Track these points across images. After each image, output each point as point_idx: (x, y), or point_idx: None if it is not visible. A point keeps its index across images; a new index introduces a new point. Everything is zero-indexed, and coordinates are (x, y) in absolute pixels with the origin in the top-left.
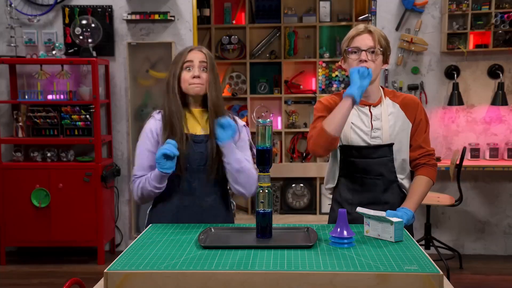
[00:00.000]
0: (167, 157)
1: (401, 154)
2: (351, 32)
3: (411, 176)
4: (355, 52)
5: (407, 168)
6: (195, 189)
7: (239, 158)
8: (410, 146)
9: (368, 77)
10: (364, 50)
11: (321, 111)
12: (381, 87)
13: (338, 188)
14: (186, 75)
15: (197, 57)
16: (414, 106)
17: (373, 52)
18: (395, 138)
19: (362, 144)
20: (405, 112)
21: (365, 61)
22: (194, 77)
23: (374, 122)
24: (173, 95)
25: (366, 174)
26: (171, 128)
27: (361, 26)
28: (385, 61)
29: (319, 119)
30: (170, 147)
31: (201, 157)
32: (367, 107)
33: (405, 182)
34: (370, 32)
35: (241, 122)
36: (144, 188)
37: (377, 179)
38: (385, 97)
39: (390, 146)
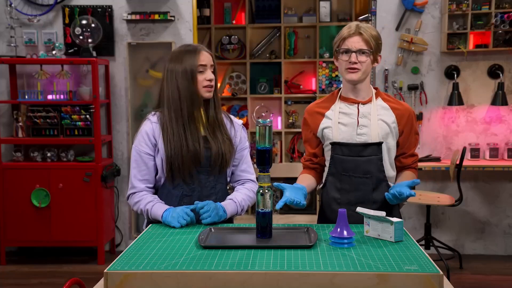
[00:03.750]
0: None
1: (390, 154)
2: (343, 32)
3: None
4: (345, 53)
5: (393, 171)
6: (193, 191)
7: (243, 205)
8: (404, 153)
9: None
10: (354, 52)
11: (305, 134)
12: (375, 88)
13: (326, 188)
14: (200, 77)
15: (208, 60)
16: (405, 115)
17: (363, 53)
18: (383, 137)
19: (348, 141)
20: (397, 118)
21: (355, 62)
22: (209, 80)
23: (360, 119)
24: (187, 96)
25: (354, 173)
26: (175, 131)
27: (352, 27)
28: (375, 59)
29: (306, 147)
30: (185, 217)
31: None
32: (356, 105)
33: (391, 183)
34: (360, 34)
35: (238, 121)
36: (141, 211)
37: (366, 178)
38: (376, 97)
39: (379, 144)
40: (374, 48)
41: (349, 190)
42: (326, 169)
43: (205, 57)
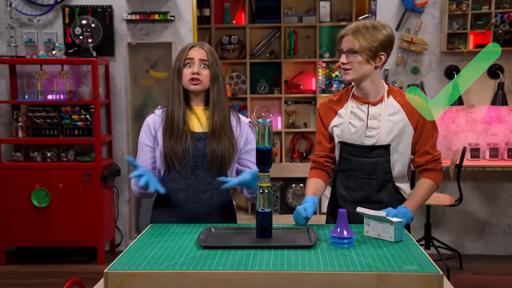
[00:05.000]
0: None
1: (401, 157)
2: (341, 31)
3: (412, 178)
4: (340, 53)
5: (406, 171)
6: (189, 185)
7: None
8: (416, 152)
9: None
10: (344, 52)
11: (319, 128)
12: (387, 84)
13: (335, 183)
14: (186, 71)
15: (197, 54)
16: (417, 111)
17: (353, 52)
18: (393, 139)
19: (357, 142)
20: (407, 114)
21: (345, 63)
22: (193, 73)
23: (370, 121)
24: (175, 91)
25: (360, 173)
26: (171, 125)
27: (350, 26)
28: (372, 59)
29: (322, 141)
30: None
31: (198, 153)
32: (366, 105)
33: (402, 184)
34: (354, 33)
35: (246, 120)
36: (134, 189)
37: (371, 179)
38: (388, 96)
39: (386, 147)
40: (370, 47)
41: (355, 189)
42: (336, 165)
43: (194, 52)
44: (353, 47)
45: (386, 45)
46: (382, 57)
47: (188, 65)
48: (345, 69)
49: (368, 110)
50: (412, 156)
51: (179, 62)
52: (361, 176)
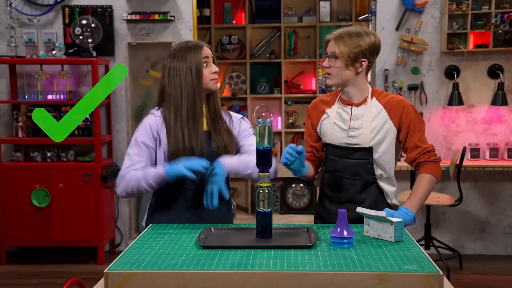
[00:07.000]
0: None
1: (385, 156)
2: (326, 36)
3: (413, 179)
4: (325, 56)
5: (389, 171)
6: (195, 185)
7: (242, 164)
8: (407, 149)
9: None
10: (327, 56)
11: (307, 126)
12: (371, 86)
13: (322, 184)
14: (205, 72)
15: (209, 52)
16: (399, 109)
17: (335, 58)
18: (376, 139)
19: (340, 143)
20: (389, 114)
21: (326, 67)
22: (214, 72)
23: (353, 122)
24: (197, 92)
25: (344, 174)
26: (191, 125)
27: (336, 32)
28: (351, 65)
29: (307, 140)
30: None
31: (206, 151)
32: (349, 107)
33: (384, 184)
34: (336, 39)
35: (237, 116)
36: (138, 184)
37: (354, 180)
38: (371, 97)
39: (369, 149)
40: (349, 53)
41: (339, 189)
42: (323, 166)
43: (207, 51)
44: (334, 52)
45: (368, 52)
46: (363, 63)
47: (205, 64)
48: (327, 73)
49: (351, 111)
50: (405, 155)
51: (196, 63)
52: (346, 177)
